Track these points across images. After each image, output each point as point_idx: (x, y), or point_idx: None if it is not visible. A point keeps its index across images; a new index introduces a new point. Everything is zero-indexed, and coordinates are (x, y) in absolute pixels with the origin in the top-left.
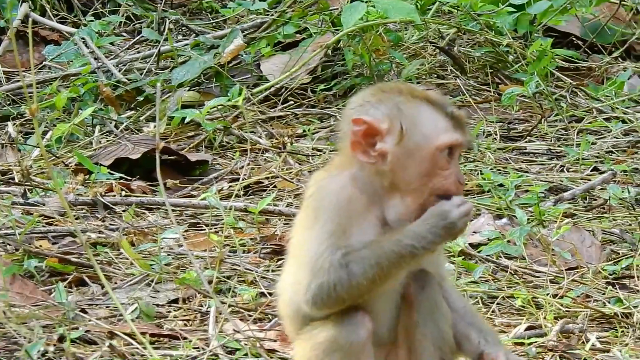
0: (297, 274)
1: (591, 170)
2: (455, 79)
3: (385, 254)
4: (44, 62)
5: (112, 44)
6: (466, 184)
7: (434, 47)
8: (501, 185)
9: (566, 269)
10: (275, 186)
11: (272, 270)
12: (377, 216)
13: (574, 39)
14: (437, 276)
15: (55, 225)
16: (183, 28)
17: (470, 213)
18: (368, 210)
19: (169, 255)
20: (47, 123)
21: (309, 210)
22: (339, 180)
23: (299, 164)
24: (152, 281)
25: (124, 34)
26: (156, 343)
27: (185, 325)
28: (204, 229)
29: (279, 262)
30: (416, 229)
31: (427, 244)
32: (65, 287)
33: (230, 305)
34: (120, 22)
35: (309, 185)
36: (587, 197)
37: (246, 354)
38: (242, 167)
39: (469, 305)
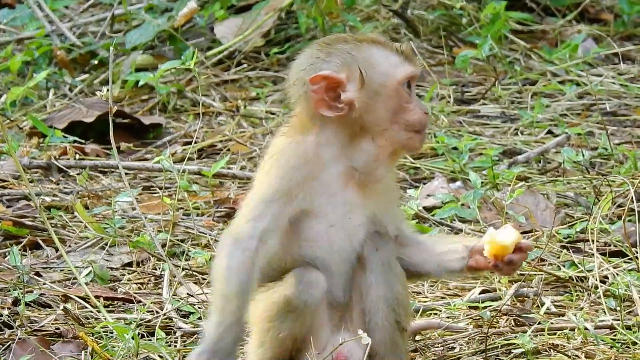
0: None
1: (545, 134)
2: (409, 42)
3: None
4: None
5: (66, 7)
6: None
7: (387, 10)
8: (455, 148)
9: (521, 233)
10: (228, 149)
11: None
12: (339, 171)
13: (527, 1)
14: (395, 229)
15: (10, 188)
16: None
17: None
18: (325, 171)
19: (122, 218)
20: (1, 86)
21: (261, 171)
22: (300, 146)
23: (253, 127)
24: (106, 244)
25: None
26: (110, 307)
27: (139, 288)
28: (158, 192)
29: None
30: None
31: None
32: (19, 250)
33: (184, 269)
34: None
35: (270, 150)
36: (542, 161)
37: (200, 318)
38: (196, 130)
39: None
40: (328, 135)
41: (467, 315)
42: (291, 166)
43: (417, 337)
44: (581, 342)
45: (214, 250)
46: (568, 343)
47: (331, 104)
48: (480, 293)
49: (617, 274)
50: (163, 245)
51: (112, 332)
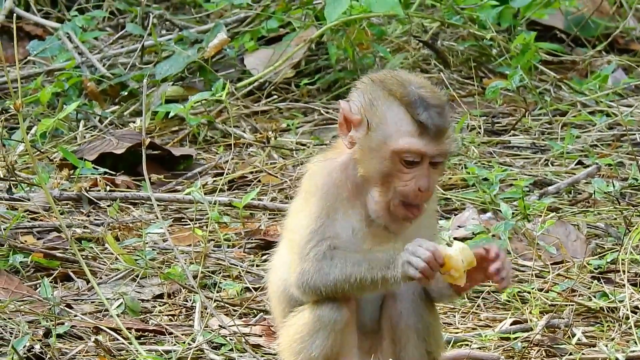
0: (287, 255)
1: (575, 164)
2: (439, 73)
3: (367, 265)
4: (28, 57)
5: (96, 38)
6: (454, 181)
7: (417, 41)
8: (485, 179)
9: (551, 264)
10: (259, 180)
11: (257, 265)
12: (363, 205)
13: (557, 32)
14: None
15: (41, 220)
16: (167, 22)
17: (421, 269)
18: (355, 197)
19: (153, 250)
20: (31, 118)
21: (300, 193)
22: (328, 165)
23: (283, 159)
24: (137, 276)
25: (107, 28)
26: (142, 338)
27: (171, 320)
28: (189, 224)
29: (264, 257)
30: (391, 259)
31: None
32: (50, 282)
33: (215, 300)
34: (104, 17)
35: (305, 170)
36: (572, 191)
37: (231, 349)
38: (226, 161)
39: None
40: (352, 166)
41: (498, 346)
42: (324, 189)
43: None
44: None
45: (245, 281)
46: None
47: (345, 134)
48: (511, 324)
49: None
50: (194, 277)
51: None
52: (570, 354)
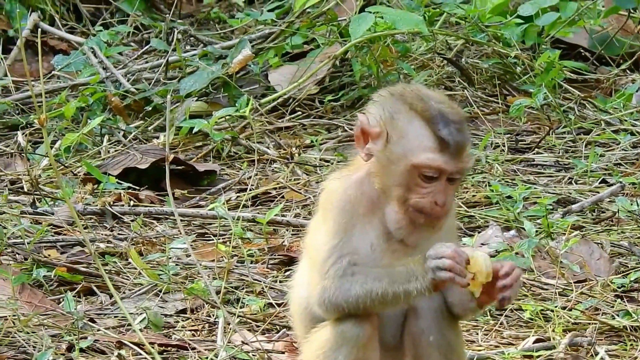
0: (308, 274)
1: (599, 183)
2: (463, 91)
3: (388, 280)
4: (52, 72)
5: (120, 53)
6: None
7: (441, 59)
8: (509, 197)
9: (575, 282)
10: (283, 197)
11: (280, 281)
12: (380, 220)
13: (582, 50)
14: None
15: (64, 234)
16: (191, 38)
17: (451, 269)
18: (372, 213)
19: (177, 265)
20: (55, 132)
21: (318, 211)
22: (344, 182)
23: (307, 175)
24: (160, 291)
25: (132, 44)
26: (164, 353)
27: (194, 335)
28: (212, 239)
29: (287, 273)
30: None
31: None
32: (73, 296)
33: (238, 316)
34: (129, 32)
35: (322, 188)
36: (596, 210)
37: None
38: (250, 177)
39: None
40: (370, 181)
41: None
42: (339, 206)
43: None
44: None
45: (268, 297)
46: None
47: (363, 147)
48: (534, 342)
49: None
50: (217, 292)
51: None
52: None
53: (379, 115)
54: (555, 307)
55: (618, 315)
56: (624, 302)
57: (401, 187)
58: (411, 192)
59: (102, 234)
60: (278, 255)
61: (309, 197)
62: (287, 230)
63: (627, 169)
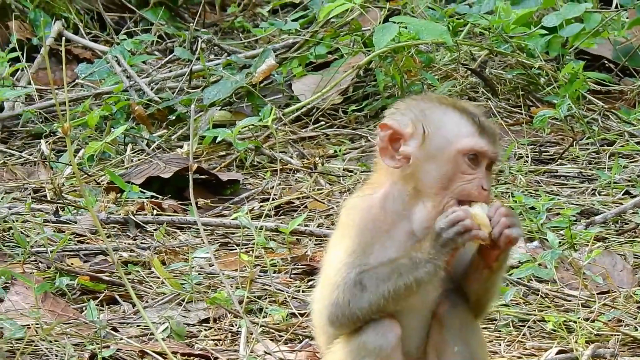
0: (320, 290)
1: (623, 194)
2: (487, 101)
3: (396, 274)
4: (76, 80)
5: (144, 62)
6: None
7: (465, 69)
8: (532, 208)
9: (597, 293)
10: (306, 206)
11: (303, 291)
12: (406, 230)
13: (605, 62)
14: None
15: (87, 243)
16: (215, 47)
17: (460, 220)
18: (395, 227)
19: (200, 274)
20: (79, 141)
21: (339, 228)
22: (367, 200)
23: (330, 185)
24: (183, 300)
25: (156, 52)
26: None
27: (216, 345)
28: (235, 249)
29: (310, 283)
30: (418, 254)
31: (431, 267)
32: (96, 305)
33: (261, 326)
34: (153, 41)
35: (343, 205)
36: (619, 221)
37: None
38: (273, 187)
39: None
40: (394, 191)
41: None
42: (361, 225)
43: None
44: None
45: (291, 307)
46: None
47: (392, 155)
48: (557, 353)
49: None
50: (240, 302)
51: None
52: None
53: (407, 116)
54: (578, 318)
55: None
56: None
57: (444, 179)
58: (454, 182)
59: (125, 243)
60: (301, 265)
61: (332, 207)
62: (310, 240)
63: None
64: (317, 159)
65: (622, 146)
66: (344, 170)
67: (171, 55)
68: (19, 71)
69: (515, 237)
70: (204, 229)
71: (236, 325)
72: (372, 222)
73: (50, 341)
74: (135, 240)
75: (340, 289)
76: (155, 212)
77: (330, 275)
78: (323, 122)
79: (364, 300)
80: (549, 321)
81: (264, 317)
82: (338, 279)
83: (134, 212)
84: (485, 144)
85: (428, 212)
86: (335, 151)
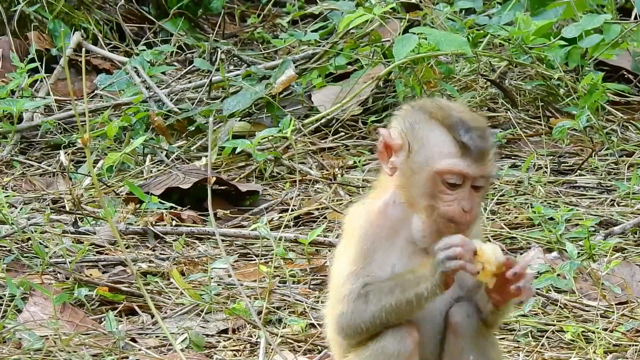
0: (328, 301)
1: None
2: (506, 112)
3: (399, 289)
4: (95, 91)
5: (163, 73)
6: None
7: (485, 80)
8: (551, 219)
9: (616, 304)
10: (325, 217)
11: (322, 302)
12: (406, 237)
13: (625, 73)
14: None
15: (106, 254)
16: (234, 58)
17: (460, 256)
18: (395, 233)
19: (219, 285)
20: (98, 152)
21: (343, 236)
22: (368, 207)
23: (350, 196)
24: (202, 311)
25: (175, 63)
26: None
27: (235, 355)
28: (254, 260)
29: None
30: (421, 272)
31: (429, 285)
32: (115, 316)
33: (280, 337)
34: (172, 51)
35: (347, 213)
36: (638, 232)
37: None
38: (292, 197)
39: None
40: (396, 197)
41: None
42: (362, 232)
43: None
44: None
45: (310, 318)
46: None
47: (387, 162)
48: None
49: None
50: (259, 313)
51: None
52: None
53: (399, 127)
54: (597, 328)
55: None
56: None
57: (427, 196)
58: (437, 201)
59: (144, 254)
60: (320, 275)
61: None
62: (329, 251)
63: None
64: (337, 169)
65: None
66: (363, 181)
67: (191, 66)
68: (38, 82)
69: (525, 295)
70: (223, 240)
71: (255, 336)
72: (373, 229)
73: (69, 352)
74: (154, 251)
75: (345, 300)
76: (174, 223)
77: (337, 286)
78: (342, 133)
79: (367, 313)
80: (568, 331)
81: (282, 328)
82: (344, 291)
83: (153, 222)
84: (465, 166)
85: (423, 225)
86: (355, 162)
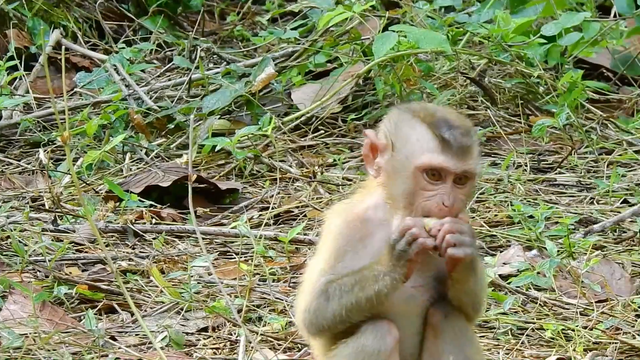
0: (299, 294)
1: (621, 203)
2: (486, 110)
3: (358, 287)
4: (74, 89)
5: (143, 71)
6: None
7: (464, 78)
8: (531, 216)
9: (596, 301)
10: (305, 215)
11: None
12: (385, 240)
13: (604, 71)
14: None
15: (86, 252)
16: (214, 56)
17: (417, 236)
18: (372, 236)
19: (198, 283)
20: (77, 150)
21: (322, 234)
22: (350, 207)
23: (329, 194)
24: (181, 309)
25: (155, 61)
26: None
27: (215, 353)
28: (234, 258)
29: None
30: (379, 268)
31: (389, 280)
32: (95, 314)
33: (259, 335)
34: (152, 49)
35: (328, 210)
36: (617, 230)
37: None
38: (272, 195)
39: None
40: (380, 199)
41: None
42: (336, 231)
43: None
44: None
45: (290, 316)
46: None
47: (372, 164)
48: None
49: None
50: (239, 311)
51: None
52: None
53: (385, 128)
54: (577, 326)
55: (639, 335)
56: None
57: (408, 193)
58: (418, 198)
59: (123, 252)
60: (300, 273)
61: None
62: (309, 249)
63: None
64: (316, 167)
65: (620, 155)
66: (343, 179)
67: (170, 64)
68: (17, 80)
69: (458, 258)
70: (203, 238)
71: (235, 334)
72: (348, 230)
73: (49, 350)
74: (134, 249)
75: (309, 296)
76: (154, 221)
77: (305, 281)
78: (322, 131)
79: (328, 310)
80: (548, 329)
81: (263, 326)
82: (309, 286)
83: (133, 221)
84: (444, 160)
85: (400, 222)
86: (335, 160)
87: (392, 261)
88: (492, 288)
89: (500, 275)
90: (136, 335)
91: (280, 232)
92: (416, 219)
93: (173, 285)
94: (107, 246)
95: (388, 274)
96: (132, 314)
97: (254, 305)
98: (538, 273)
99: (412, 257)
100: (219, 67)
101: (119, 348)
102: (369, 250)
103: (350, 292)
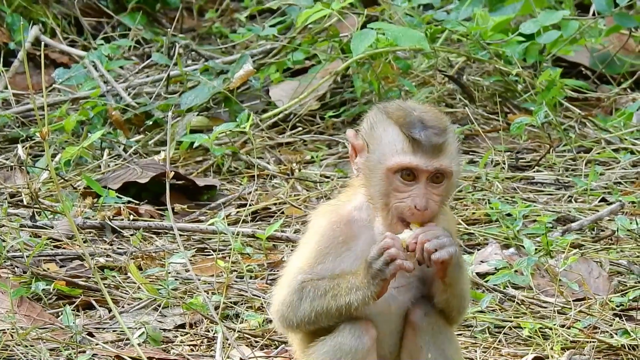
0: (276, 289)
1: (599, 201)
2: (464, 108)
3: (331, 294)
4: (53, 85)
5: (121, 67)
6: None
7: (443, 76)
8: (509, 215)
9: (573, 300)
10: (282, 212)
11: None
12: (369, 241)
13: (583, 69)
14: None
15: (63, 248)
16: (192, 53)
17: (395, 257)
18: (356, 238)
19: (176, 280)
20: (56, 146)
21: (305, 233)
22: (333, 209)
23: (307, 191)
24: (159, 306)
25: (133, 57)
26: None
27: (192, 350)
28: (212, 254)
29: None
30: (353, 281)
31: (361, 296)
32: (72, 310)
33: (237, 331)
34: (130, 46)
35: (314, 210)
36: (595, 228)
37: None
38: (250, 192)
39: None
40: (364, 199)
41: None
42: (319, 232)
43: None
44: None
45: (267, 313)
46: None
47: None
48: None
49: None
50: (216, 308)
51: None
52: None
53: (362, 129)
54: (554, 325)
55: (616, 334)
56: (623, 320)
57: (383, 194)
58: (392, 198)
59: (101, 248)
60: (277, 270)
61: (309, 213)
62: (287, 246)
63: (626, 187)
64: (294, 164)
65: (598, 153)
66: (321, 176)
67: (148, 61)
68: None
69: (444, 260)
70: (181, 235)
71: (212, 330)
72: (332, 232)
73: (26, 346)
74: (111, 245)
75: (285, 292)
76: (131, 217)
77: (284, 275)
78: (300, 128)
79: (300, 309)
80: (525, 328)
81: (240, 323)
82: (285, 282)
83: (111, 217)
84: (414, 160)
85: (381, 225)
86: (312, 157)
87: (366, 278)
88: (470, 286)
89: (477, 273)
90: (114, 331)
91: (258, 229)
92: (393, 237)
93: (150, 281)
94: (84, 242)
95: (361, 289)
96: (110, 310)
97: (231, 302)
98: (516, 271)
99: (387, 278)
100: (197, 64)
101: (97, 344)
102: (352, 252)
103: (322, 297)
